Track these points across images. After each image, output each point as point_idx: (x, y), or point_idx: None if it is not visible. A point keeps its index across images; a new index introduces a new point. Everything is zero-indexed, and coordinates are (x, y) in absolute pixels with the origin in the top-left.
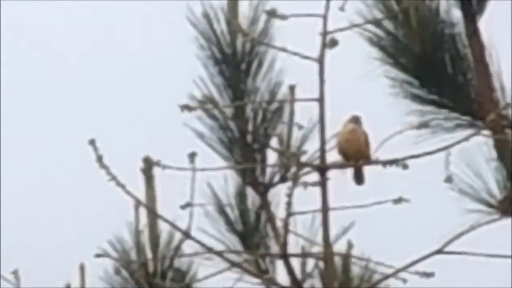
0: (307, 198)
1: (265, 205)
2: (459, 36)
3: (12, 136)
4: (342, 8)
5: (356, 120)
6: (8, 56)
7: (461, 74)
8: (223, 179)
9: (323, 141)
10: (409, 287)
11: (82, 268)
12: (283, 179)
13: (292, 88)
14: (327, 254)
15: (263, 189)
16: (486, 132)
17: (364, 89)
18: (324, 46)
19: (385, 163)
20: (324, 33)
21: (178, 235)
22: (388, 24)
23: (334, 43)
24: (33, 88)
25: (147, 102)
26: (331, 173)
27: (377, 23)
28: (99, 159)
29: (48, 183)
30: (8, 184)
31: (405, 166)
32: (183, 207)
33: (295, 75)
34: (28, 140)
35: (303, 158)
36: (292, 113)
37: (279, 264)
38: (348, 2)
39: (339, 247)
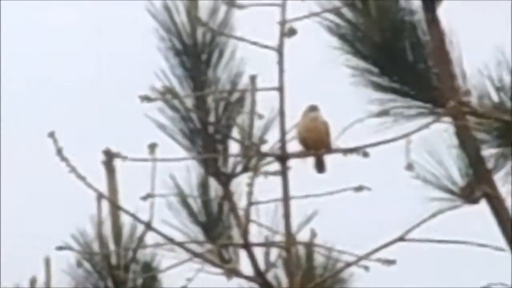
0: (270, 188)
1: (227, 195)
2: (419, 23)
3: None
4: None
5: (315, 109)
6: None
7: (421, 61)
8: (186, 170)
9: (283, 130)
10: (373, 275)
11: (47, 262)
12: (245, 169)
13: (253, 78)
14: (290, 243)
15: (225, 180)
16: (446, 119)
17: (326, 78)
18: (282, 35)
19: (346, 151)
20: (283, 22)
21: (140, 227)
22: (348, 13)
23: (292, 32)
24: None
25: (107, 94)
26: (292, 162)
27: (336, 11)
28: (59, 151)
29: (8, 177)
30: None
31: (365, 154)
32: (144, 198)
33: (256, 65)
34: None
35: (264, 148)
36: (253, 103)
37: (243, 254)
38: None
39: (303, 236)
